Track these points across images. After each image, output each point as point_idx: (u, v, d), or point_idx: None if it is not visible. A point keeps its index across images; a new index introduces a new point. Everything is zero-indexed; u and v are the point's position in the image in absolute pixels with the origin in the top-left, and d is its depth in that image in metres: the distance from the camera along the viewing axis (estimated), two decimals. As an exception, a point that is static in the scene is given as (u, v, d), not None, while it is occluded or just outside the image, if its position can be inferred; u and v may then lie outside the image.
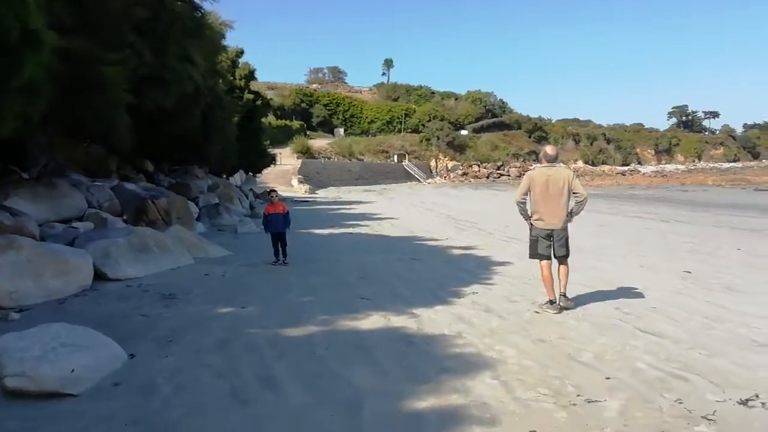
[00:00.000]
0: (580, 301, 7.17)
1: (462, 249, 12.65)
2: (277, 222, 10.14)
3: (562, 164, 7.05)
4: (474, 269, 9.85)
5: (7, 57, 6.37)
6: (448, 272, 9.61)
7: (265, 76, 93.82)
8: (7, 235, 7.33)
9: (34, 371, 4.10)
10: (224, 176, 31.24)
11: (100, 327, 5.50)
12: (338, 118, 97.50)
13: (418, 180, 74.74)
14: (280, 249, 10.21)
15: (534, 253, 6.95)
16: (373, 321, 6.37)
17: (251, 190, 34.24)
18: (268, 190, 11.94)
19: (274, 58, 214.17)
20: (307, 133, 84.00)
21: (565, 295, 6.88)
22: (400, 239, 14.83)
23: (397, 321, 6.37)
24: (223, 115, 18.27)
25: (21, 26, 6.29)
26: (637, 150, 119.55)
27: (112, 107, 9.04)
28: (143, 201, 11.84)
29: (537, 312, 6.78)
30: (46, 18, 8.89)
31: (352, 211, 24.75)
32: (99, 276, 8.35)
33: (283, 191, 40.42)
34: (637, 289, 7.98)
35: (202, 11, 11.14)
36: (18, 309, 6.51)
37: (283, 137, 73.92)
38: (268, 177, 48.88)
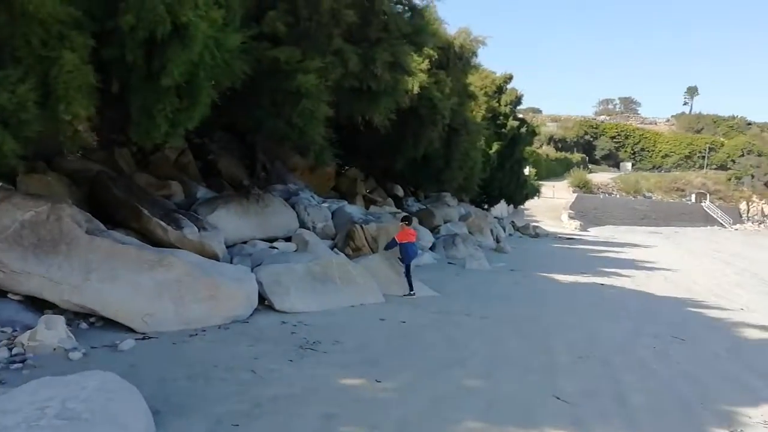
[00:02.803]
0: None
1: (765, 331, 8.63)
2: (413, 251, 9.38)
3: None
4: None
5: (154, 53, 5.72)
6: (727, 373, 6.22)
7: (549, 109, 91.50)
8: (164, 250, 6.76)
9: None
10: (485, 207, 29.95)
11: (176, 383, 4.28)
12: (626, 152, 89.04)
13: (722, 225, 62.87)
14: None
15: None
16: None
17: (512, 223, 32.24)
18: (403, 215, 10.25)
19: (562, 90, 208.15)
20: (589, 166, 78.45)
21: None
22: (667, 302, 11.13)
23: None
24: (469, 140, 16.75)
25: (171, 19, 5.56)
26: None
27: (309, 119, 8.14)
28: (352, 225, 10.89)
29: None
30: (263, 27, 8.65)
31: (619, 256, 20.76)
32: (268, 304, 7.41)
33: (549, 226, 37.43)
34: None
35: (422, 14, 9.73)
36: (143, 337, 5.72)
37: (561, 169, 70.21)
38: (537, 210, 46.20)
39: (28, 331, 5.11)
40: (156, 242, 7.91)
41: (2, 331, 5.26)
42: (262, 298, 7.43)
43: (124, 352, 5.20)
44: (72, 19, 5.46)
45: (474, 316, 8.00)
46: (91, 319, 6.05)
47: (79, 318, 6.04)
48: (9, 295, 5.78)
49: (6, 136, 4.86)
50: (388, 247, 9.69)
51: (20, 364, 4.64)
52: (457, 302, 8.96)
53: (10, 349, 4.90)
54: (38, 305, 5.91)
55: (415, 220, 12.34)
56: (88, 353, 5.10)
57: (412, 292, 9.09)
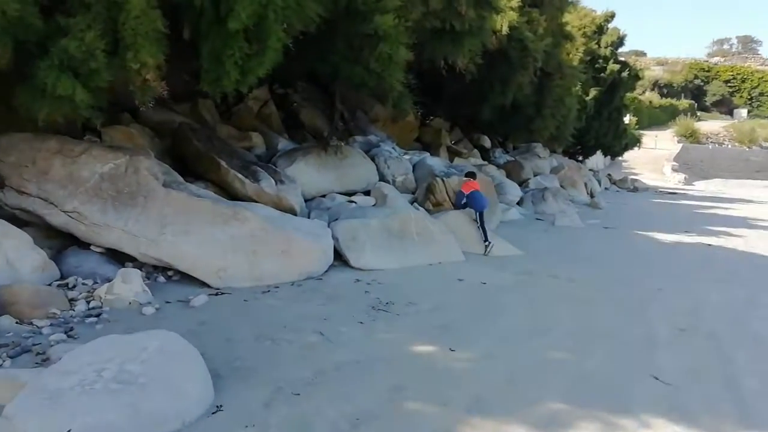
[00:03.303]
0: None
1: None
2: (482, 199, 9.12)
3: None
4: None
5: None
6: None
7: (655, 52, 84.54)
8: (239, 204, 6.64)
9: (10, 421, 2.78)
10: (579, 158, 28.28)
11: (242, 343, 4.17)
12: (741, 97, 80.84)
13: None
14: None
15: None
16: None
17: (609, 175, 30.30)
18: (467, 171, 9.86)
19: (670, 30, 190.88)
20: (698, 114, 72.20)
21: None
22: (788, 266, 9.89)
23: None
24: (563, 85, 15.50)
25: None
26: None
27: (387, 63, 7.63)
28: (433, 178, 10.39)
29: None
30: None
31: (728, 213, 18.89)
32: (344, 260, 7.21)
33: (650, 180, 34.95)
34: None
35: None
36: (216, 293, 5.66)
37: (666, 118, 65.08)
38: (637, 162, 43.23)
39: (106, 285, 5.17)
40: (234, 195, 7.87)
41: (83, 284, 5.37)
42: (338, 254, 7.23)
43: (195, 309, 5.15)
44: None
45: (561, 278, 7.40)
46: (169, 273, 6.09)
47: (158, 271, 6.09)
48: (91, 247, 5.89)
49: (77, 86, 4.78)
50: (458, 203, 9.38)
51: (95, 318, 4.69)
52: (544, 262, 8.35)
53: (88, 302, 4.98)
54: (119, 258, 5.99)
55: (483, 175, 11.73)
56: (162, 308, 5.09)
57: (487, 242, 8.76)
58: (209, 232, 6.04)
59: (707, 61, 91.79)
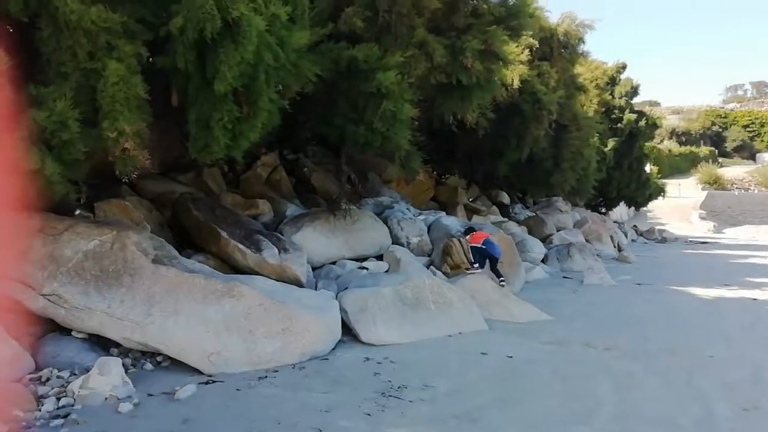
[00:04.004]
0: None
1: None
2: (496, 246, 8.93)
3: None
4: None
5: (206, 56, 5.06)
6: None
7: (669, 101, 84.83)
8: (234, 278, 6.10)
9: None
10: (602, 210, 27.53)
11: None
12: (762, 141, 79.88)
13: None
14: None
15: None
16: None
17: (634, 227, 29.38)
18: (466, 228, 9.58)
19: (682, 79, 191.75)
20: (719, 160, 71.22)
21: None
22: None
23: None
24: (580, 137, 15.03)
25: (221, 16, 4.87)
26: None
27: (391, 121, 7.23)
28: (449, 239, 9.81)
29: None
30: (339, 25, 7.90)
31: (766, 261, 17.86)
32: (354, 335, 6.56)
33: (677, 229, 33.85)
34: None
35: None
36: (207, 381, 5.04)
37: (687, 165, 64.27)
38: (662, 212, 42.18)
39: (80, 378, 4.58)
40: (235, 266, 7.39)
41: (58, 376, 4.79)
42: (348, 328, 6.61)
43: (180, 402, 4.52)
44: (121, 26, 4.95)
45: (596, 347, 6.63)
46: (158, 358, 5.50)
47: (146, 357, 5.52)
48: (73, 333, 5.35)
49: (47, 159, 4.38)
50: (474, 259, 8.90)
51: (62, 420, 4.08)
52: (575, 328, 7.58)
53: (59, 399, 4.39)
54: (104, 343, 5.45)
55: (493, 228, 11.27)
56: (142, 403, 4.47)
57: (502, 280, 8.63)
58: (200, 312, 5.47)
59: (723, 108, 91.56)
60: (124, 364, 5.16)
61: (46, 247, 5.38)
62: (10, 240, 5.01)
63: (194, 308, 5.47)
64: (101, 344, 5.43)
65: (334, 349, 6.15)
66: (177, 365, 5.33)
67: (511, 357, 6.12)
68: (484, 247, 8.72)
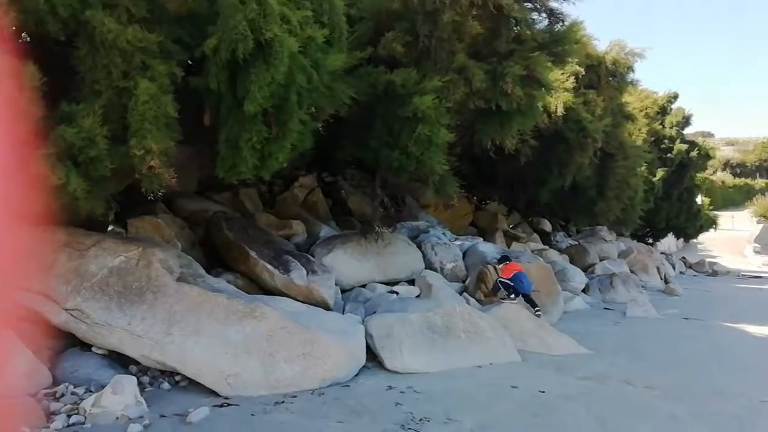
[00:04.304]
0: None
1: None
2: (527, 281, 8.55)
3: None
4: None
5: (238, 76, 5.05)
6: None
7: (723, 132, 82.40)
8: (258, 298, 6.00)
9: None
10: (649, 241, 26.56)
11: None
12: (826, 174, 76.25)
13: None
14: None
15: None
16: None
17: (683, 259, 28.17)
18: (501, 255, 9.46)
19: (737, 110, 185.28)
20: (777, 192, 68.24)
21: None
22: None
23: None
24: (626, 165, 14.52)
25: (254, 36, 4.86)
26: None
27: (426, 146, 7.08)
28: (485, 266, 9.51)
29: None
30: (378, 50, 7.86)
31: (830, 301, 16.72)
32: (379, 362, 6.36)
33: (730, 263, 32.28)
34: None
35: (561, 19, 8.21)
36: (222, 404, 4.91)
37: (741, 198, 61.81)
38: (713, 244, 40.43)
39: (93, 396, 4.53)
40: (263, 287, 7.33)
41: (73, 393, 4.75)
42: (373, 354, 6.41)
43: (192, 426, 4.41)
44: (157, 46, 5.00)
45: (637, 385, 6.21)
46: (177, 378, 5.42)
47: (165, 376, 5.44)
48: (93, 349, 5.34)
49: (72, 175, 4.40)
50: (496, 291, 8.69)
51: (69, 439, 4.02)
52: (615, 364, 7.16)
53: (69, 417, 4.34)
54: (124, 361, 5.41)
55: (529, 258, 10.88)
56: (153, 424, 4.38)
57: (537, 310, 8.43)
58: (221, 332, 5.39)
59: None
60: (141, 383, 5.16)
61: (72, 262, 5.42)
62: (33, 253, 5.05)
63: (215, 328, 5.39)
64: (121, 361, 5.39)
65: (357, 375, 5.96)
66: (194, 386, 5.24)
67: (543, 392, 5.79)
68: (511, 283, 8.48)
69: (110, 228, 7.06)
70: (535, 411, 5.22)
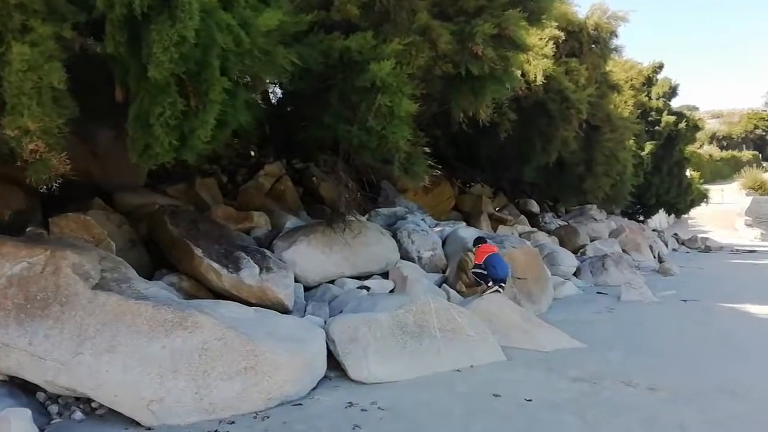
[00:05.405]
0: None
1: None
2: (502, 264, 7.78)
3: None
4: None
5: (141, 36, 4.11)
6: None
7: (707, 105, 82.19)
8: (190, 306, 5.08)
9: None
10: (640, 218, 25.92)
11: None
12: (810, 144, 76.22)
13: None
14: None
15: None
16: None
17: (675, 235, 27.54)
18: (475, 238, 8.54)
19: (720, 82, 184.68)
20: (763, 164, 68.10)
21: None
22: None
23: None
24: (614, 138, 13.73)
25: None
26: None
27: (387, 119, 6.20)
28: (465, 254, 8.67)
29: None
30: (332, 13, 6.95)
31: (829, 273, 16.10)
32: (343, 370, 5.50)
33: (722, 237, 31.77)
34: None
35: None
36: (141, 435, 4.04)
37: (729, 170, 61.55)
38: (704, 219, 39.98)
39: (-30, 438, 3.64)
40: (210, 288, 6.44)
41: (-47, 432, 3.86)
42: (337, 361, 5.56)
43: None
44: (43, 5, 4.06)
45: (638, 385, 5.39)
46: (94, 404, 4.52)
47: (80, 403, 4.54)
48: (-11, 375, 4.44)
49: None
50: (490, 279, 7.71)
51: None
52: (611, 359, 6.34)
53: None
54: (32, 387, 4.52)
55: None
56: (43, 472, 3.50)
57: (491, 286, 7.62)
58: (143, 348, 4.49)
59: (766, 111, 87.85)
60: (48, 413, 4.28)
61: (-37, 272, 4.50)
62: None
63: (136, 344, 4.50)
64: (27, 388, 4.50)
65: (314, 389, 5.10)
66: (114, 414, 4.36)
67: (530, 401, 4.95)
68: (484, 271, 7.69)
69: (28, 229, 6.13)
70: (519, 427, 4.38)
